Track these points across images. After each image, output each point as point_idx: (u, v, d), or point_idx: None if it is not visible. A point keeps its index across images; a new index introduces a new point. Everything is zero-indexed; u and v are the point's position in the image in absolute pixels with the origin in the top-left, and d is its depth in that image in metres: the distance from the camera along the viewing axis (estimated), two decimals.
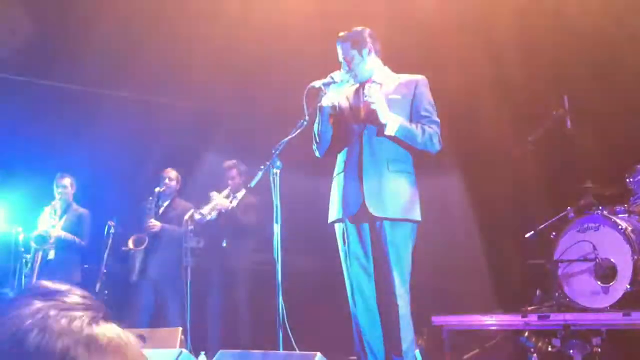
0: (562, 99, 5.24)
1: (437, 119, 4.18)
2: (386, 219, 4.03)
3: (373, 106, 3.99)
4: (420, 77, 4.25)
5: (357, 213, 4.08)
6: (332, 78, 4.08)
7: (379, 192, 4.03)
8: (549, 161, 5.78)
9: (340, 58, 4.24)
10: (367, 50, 4.22)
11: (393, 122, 4.01)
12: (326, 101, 4.13)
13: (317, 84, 4.05)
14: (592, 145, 5.67)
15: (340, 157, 4.23)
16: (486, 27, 6.63)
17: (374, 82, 4.23)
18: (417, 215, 4.11)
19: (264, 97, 7.78)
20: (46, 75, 7.79)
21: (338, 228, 4.23)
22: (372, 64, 4.25)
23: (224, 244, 6.90)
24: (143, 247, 6.86)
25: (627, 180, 5.33)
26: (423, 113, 4.14)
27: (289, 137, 3.99)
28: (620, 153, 5.57)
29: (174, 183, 7.12)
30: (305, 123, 4.00)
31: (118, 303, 7.02)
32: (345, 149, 4.19)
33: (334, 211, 4.20)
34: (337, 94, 4.16)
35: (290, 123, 4.06)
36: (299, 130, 4.00)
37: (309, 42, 6.68)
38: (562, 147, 5.71)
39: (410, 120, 4.13)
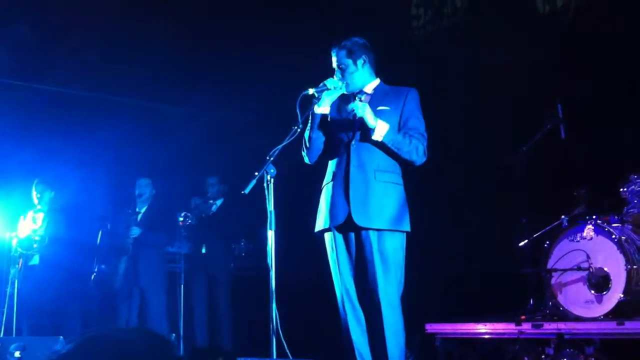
0: (556, 108, 5.24)
1: (425, 133, 4.20)
2: (372, 229, 4.03)
3: (359, 114, 4.01)
4: (411, 89, 4.27)
5: (343, 223, 4.10)
6: (325, 85, 4.09)
7: (365, 203, 4.04)
8: (543, 170, 5.78)
9: (334, 65, 4.26)
10: (362, 61, 4.25)
11: (381, 128, 4.02)
12: (318, 108, 4.14)
13: (310, 90, 4.06)
14: (586, 155, 5.68)
15: (330, 167, 4.26)
16: (478, 36, 6.67)
17: (364, 93, 4.26)
18: (404, 226, 4.12)
19: (258, 102, 7.81)
20: (40, 80, 7.80)
21: (327, 237, 4.24)
22: (365, 75, 4.28)
23: (203, 250, 6.97)
24: (126, 253, 6.90)
25: (621, 189, 5.33)
26: (411, 125, 4.16)
27: (283, 143, 3.99)
28: (614, 162, 5.58)
29: (148, 189, 7.17)
30: (298, 130, 4.01)
31: (108, 308, 7.04)
32: (335, 159, 4.22)
33: (321, 221, 4.22)
34: (329, 102, 4.17)
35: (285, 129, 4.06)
36: (293, 137, 4.01)
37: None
38: (556, 156, 5.72)
39: (399, 130, 4.15)
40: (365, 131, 4.11)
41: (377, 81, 4.33)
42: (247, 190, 3.95)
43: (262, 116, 7.91)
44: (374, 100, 4.22)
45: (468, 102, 6.53)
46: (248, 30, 7.75)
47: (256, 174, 3.95)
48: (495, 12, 6.66)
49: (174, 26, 7.60)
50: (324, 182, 4.27)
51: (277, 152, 3.98)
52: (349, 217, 4.05)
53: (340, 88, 4.14)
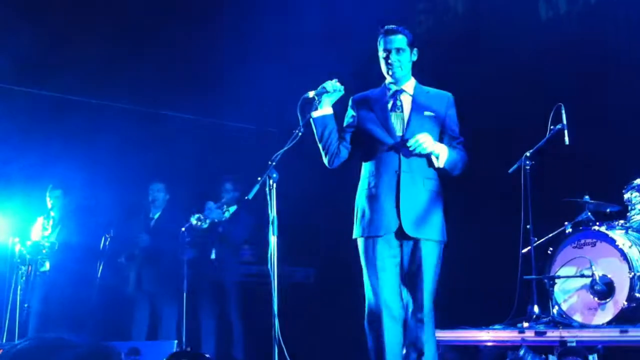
0: (560, 113, 5.23)
1: (463, 137, 4.17)
2: (422, 239, 3.97)
3: (425, 151, 3.94)
4: (450, 95, 4.22)
5: (394, 232, 3.98)
6: (325, 88, 4.05)
7: (416, 212, 3.97)
8: (547, 176, 5.77)
9: (388, 47, 4.13)
10: (415, 55, 4.19)
11: (442, 153, 3.98)
12: (318, 111, 4.11)
13: (310, 94, 4.04)
14: (590, 160, 5.67)
15: (371, 170, 4.09)
16: (482, 42, 6.67)
17: (404, 91, 4.17)
18: (445, 236, 4.08)
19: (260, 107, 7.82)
20: (42, 86, 7.81)
21: (362, 242, 4.10)
22: (410, 69, 4.20)
23: (213, 256, 6.90)
24: (135, 260, 6.86)
25: (625, 195, 5.32)
26: (454, 135, 4.13)
27: (285, 147, 3.97)
28: (618, 168, 5.57)
29: (162, 195, 7.13)
30: (300, 134, 3.98)
31: (114, 315, 7.00)
32: (380, 162, 4.06)
33: (364, 228, 4.06)
34: (329, 104, 4.13)
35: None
36: (294, 141, 3.98)
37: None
38: (560, 161, 5.70)
39: (441, 138, 4.10)
40: (415, 133, 3.99)
41: (414, 80, 4.23)
42: (250, 196, 3.92)
43: (264, 121, 7.92)
44: (417, 103, 4.12)
45: (470, 107, 6.50)
46: (250, 35, 7.76)
47: (259, 178, 3.92)
48: (498, 18, 6.66)
49: (178, 31, 7.61)
50: (365, 186, 4.11)
51: (279, 156, 3.96)
52: (399, 226, 3.95)
53: (340, 90, 4.09)
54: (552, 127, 5.33)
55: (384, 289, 4.01)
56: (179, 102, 8.29)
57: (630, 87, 5.58)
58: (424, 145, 3.91)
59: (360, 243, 4.11)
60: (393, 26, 4.17)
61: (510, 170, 5.45)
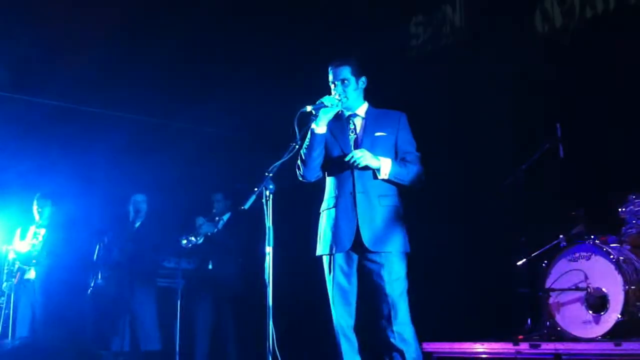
0: (555, 127, 5.26)
1: (418, 153, 4.31)
2: (382, 252, 4.09)
3: (362, 164, 4.09)
4: (401, 114, 4.36)
5: (351, 248, 4.13)
6: (323, 102, 4.12)
7: (374, 228, 4.10)
8: (542, 189, 5.78)
9: (335, 79, 4.31)
10: (362, 82, 4.35)
11: (385, 166, 4.13)
12: (318, 128, 4.16)
13: (308, 108, 4.08)
14: (585, 174, 5.68)
15: (331, 192, 4.28)
16: (476, 55, 6.69)
17: (357, 115, 4.34)
18: (407, 247, 4.20)
19: (256, 118, 7.82)
20: (38, 93, 7.81)
21: (325, 259, 4.27)
22: (360, 96, 4.37)
23: (210, 267, 6.91)
24: (119, 268, 6.89)
25: (620, 209, 5.33)
26: (407, 150, 4.28)
27: (282, 159, 4.00)
28: (613, 182, 5.58)
29: (144, 205, 7.17)
30: (296, 147, 4.04)
31: (99, 322, 7.00)
32: (337, 184, 4.25)
33: (325, 246, 4.22)
34: (326, 120, 4.18)
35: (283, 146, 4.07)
36: (291, 154, 4.02)
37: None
38: (554, 175, 5.72)
39: (395, 155, 4.25)
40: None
41: (366, 104, 4.41)
42: (246, 206, 3.95)
43: (260, 132, 7.93)
44: (369, 125, 4.31)
45: (466, 121, 6.53)
46: (246, 46, 7.78)
47: (255, 189, 3.95)
48: (494, 31, 6.69)
49: (172, 41, 7.62)
50: (325, 207, 4.30)
51: (275, 168, 3.98)
52: (358, 242, 4.10)
53: (337, 105, 4.18)
54: (546, 140, 5.35)
55: (337, 308, 4.18)
56: (174, 111, 8.31)
57: (627, 100, 5.60)
58: (360, 159, 4.08)
59: (323, 261, 4.28)
60: (338, 59, 4.35)
61: (506, 183, 5.47)
